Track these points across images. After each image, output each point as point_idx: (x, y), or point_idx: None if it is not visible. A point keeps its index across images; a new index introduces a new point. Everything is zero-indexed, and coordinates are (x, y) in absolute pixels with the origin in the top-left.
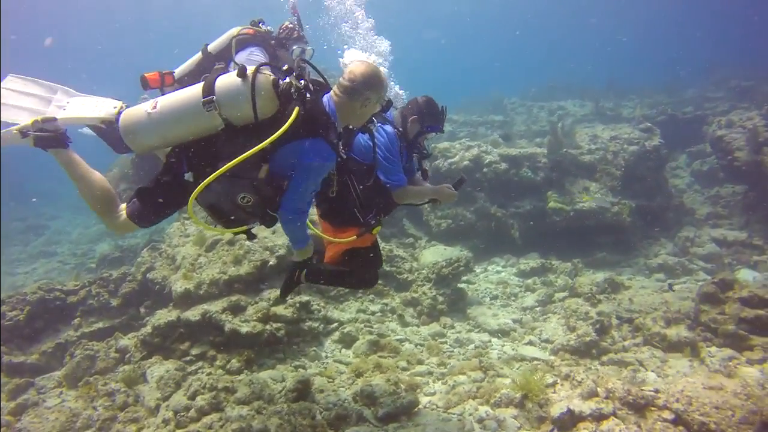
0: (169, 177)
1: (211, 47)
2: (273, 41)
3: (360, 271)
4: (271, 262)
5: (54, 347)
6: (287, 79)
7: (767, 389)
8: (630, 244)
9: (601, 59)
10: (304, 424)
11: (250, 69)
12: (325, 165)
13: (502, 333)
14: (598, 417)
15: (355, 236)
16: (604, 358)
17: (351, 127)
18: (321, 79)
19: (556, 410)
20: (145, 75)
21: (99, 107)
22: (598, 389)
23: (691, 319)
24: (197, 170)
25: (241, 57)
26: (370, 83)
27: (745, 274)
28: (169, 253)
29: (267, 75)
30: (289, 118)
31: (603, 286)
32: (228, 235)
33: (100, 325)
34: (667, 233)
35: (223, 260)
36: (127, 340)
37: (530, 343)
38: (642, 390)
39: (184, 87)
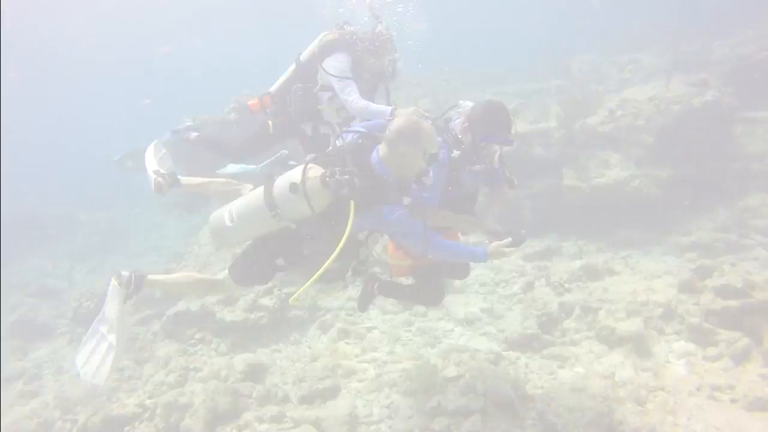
0: (258, 258)
1: (302, 57)
2: (359, 46)
3: (423, 288)
4: None
5: None
6: (335, 176)
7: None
8: (670, 219)
9: None
10: (225, 401)
11: (299, 180)
12: (388, 220)
13: (467, 322)
14: (465, 413)
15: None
16: (545, 352)
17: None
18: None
19: (433, 403)
20: (249, 104)
21: (115, 308)
22: (477, 385)
23: (664, 310)
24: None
25: (328, 64)
26: (402, 137)
27: None
28: (196, 252)
29: (314, 178)
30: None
31: (578, 273)
32: None
33: (149, 312)
34: (728, 203)
35: (225, 259)
36: (157, 326)
37: (485, 333)
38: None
39: (283, 103)
